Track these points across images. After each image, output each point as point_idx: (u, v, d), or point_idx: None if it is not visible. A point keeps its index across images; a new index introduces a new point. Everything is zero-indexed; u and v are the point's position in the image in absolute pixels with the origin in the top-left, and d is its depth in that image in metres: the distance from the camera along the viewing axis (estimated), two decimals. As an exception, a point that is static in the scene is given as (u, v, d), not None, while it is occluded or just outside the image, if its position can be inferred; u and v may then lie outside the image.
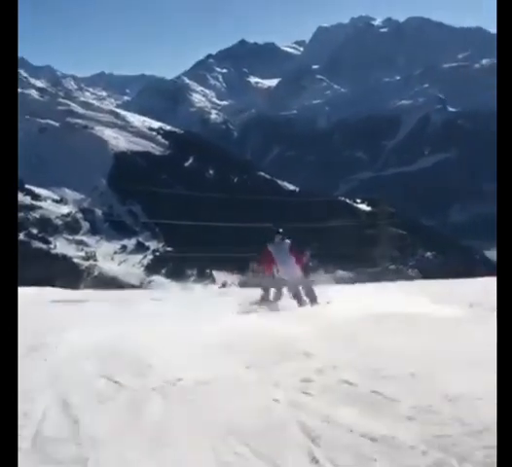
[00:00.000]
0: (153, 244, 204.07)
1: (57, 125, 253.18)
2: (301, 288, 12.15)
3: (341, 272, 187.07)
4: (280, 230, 12.89)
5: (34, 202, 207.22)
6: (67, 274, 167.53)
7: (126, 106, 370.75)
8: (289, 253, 12.35)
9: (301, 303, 11.95)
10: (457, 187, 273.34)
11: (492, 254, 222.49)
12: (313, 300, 12.10)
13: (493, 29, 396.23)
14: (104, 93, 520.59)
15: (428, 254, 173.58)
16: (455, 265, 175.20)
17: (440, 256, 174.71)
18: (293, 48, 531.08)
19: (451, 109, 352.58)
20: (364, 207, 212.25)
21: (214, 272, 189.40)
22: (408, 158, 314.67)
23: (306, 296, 12.23)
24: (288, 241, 12.55)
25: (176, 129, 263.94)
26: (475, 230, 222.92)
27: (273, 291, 13.06)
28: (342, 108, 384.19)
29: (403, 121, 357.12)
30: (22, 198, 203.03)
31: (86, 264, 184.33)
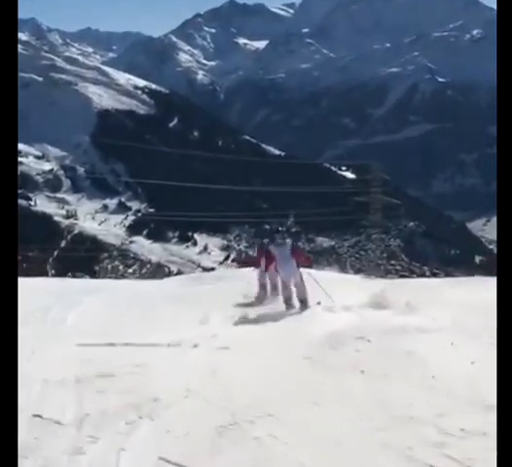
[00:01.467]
0: (135, 205, 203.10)
1: (41, 79, 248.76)
2: (294, 289, 11.88)
3: (321, 239, 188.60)
4: (280, 228, 12.88)
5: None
6: (47, 232, 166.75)
7: (111, 63, 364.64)
8: (290, 254, 12.01)
9: (289, 307, 11.70)
10: (442, 158, 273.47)
11: (471, 225, 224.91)
12: (304, 303, 11.80)
13: (485, 0, 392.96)
14: (90, 49, 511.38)
15: (411, 224, 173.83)
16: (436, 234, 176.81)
17: (422, 226, 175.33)
18: (283, 10, 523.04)
19: (440, 79, 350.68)
20: (349, 174, 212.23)
21: (196, 235, 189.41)
22: (395, 126, 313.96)
23: (297, 296, 11.96)
24: (289, 241, 12.36)
25: (162, 89, 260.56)
26: (457, 201, 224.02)
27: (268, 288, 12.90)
28: (330, 73, 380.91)
29: (391, 89, 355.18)
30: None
31: (66, 222, 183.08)
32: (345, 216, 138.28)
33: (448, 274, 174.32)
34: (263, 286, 13.00)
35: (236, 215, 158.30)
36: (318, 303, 11.83)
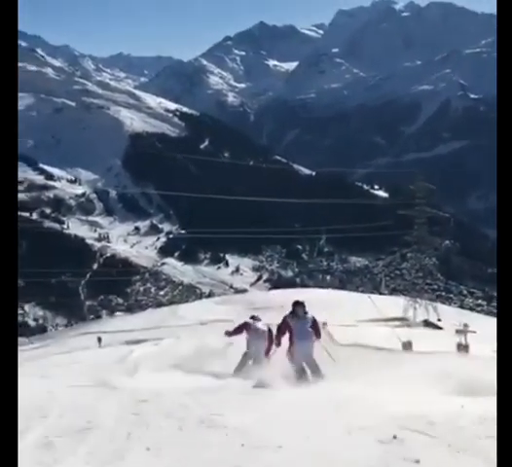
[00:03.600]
0: (166, 227, 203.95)
1: (73, 104, 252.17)
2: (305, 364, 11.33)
3: (354, 258, 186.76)
4: (302, 301, 11.99)
5: (48, 182, 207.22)
6: (80, 255, 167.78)
7: (143, 87, 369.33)
8: (310, 329, 11.48)
9: (300, 378, 10.88)
10: (476, 175, 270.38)
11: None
12: (317, 374, 11.22)
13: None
14: (122, 74, 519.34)
15: (446, 242, 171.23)
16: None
17: (458, 244, 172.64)
18: (312, 31, 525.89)
19: (472, 96, 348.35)
20: (381, 193, 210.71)
21: (227, 256, 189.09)
22: (427, 144, 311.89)
23: (310, 371, 11.36)
24: (311, 316, 11.67)
25: (193, 111, 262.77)
26: (492, 219, 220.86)
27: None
28: (360, 92, 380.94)
29: (423, 106, 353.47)
30: (36, 178, 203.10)
31: (98, 245, 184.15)
32: (383, 231, 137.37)
33: (485, 294, 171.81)
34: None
35: (267, 233, 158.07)
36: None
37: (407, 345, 25.86)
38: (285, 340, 11.66)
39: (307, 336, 11.38)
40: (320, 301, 73.89)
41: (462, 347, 25.30)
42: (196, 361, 15.57)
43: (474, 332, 26.30)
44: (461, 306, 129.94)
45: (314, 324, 11.62)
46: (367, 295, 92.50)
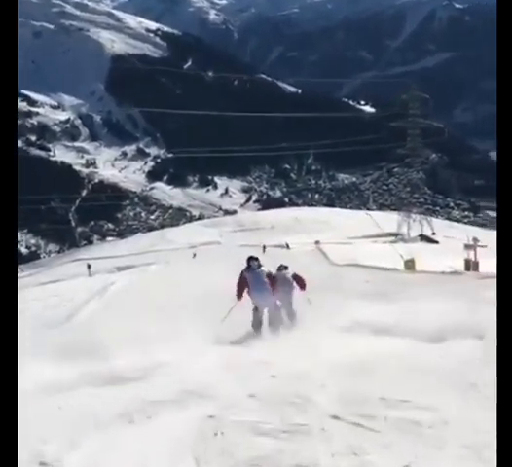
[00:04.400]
0: (153, 150, 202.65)
1: (52, 27, 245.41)
2: (266, 314, 11.88)
3: (342, 176, 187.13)
4: (255, 256, 12.35)
5: (31, 109, 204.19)
6: (68, 182, 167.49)
7: (122, 7, 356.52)
8: (265, 281, 11.84)
9: (257, 332, 11.55)
10: (462, 87, 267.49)
11: (495, 154, 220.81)
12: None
13: None
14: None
15: (434, 156, 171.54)
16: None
17: (445, 157, 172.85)
18: None
19: (457, 5, 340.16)
20: (368, 108, 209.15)
21: (216, 179, 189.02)
22: (412, 57, 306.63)
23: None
24: (264, 269, 12.04)
25: (174, 31, 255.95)
26: (479, 130, 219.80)
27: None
28: (344, 5, 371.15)
29: (407, 18, 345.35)
30: (19, 105, 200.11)
31: (86, 171, 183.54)
32: (371, 145, 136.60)
33: (471, 205, 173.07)
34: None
35: (255, 152, 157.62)
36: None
37: (410, 264, 23.78)
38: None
39: (262, 287, 11.75)
40: (310, 219, 75.06)
41: (473, 264, 23.06)
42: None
43: (485, 246, 23.77)
44: (449, 219, 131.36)
45: (269, 276, 11.95)
46: (363, 211, 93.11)
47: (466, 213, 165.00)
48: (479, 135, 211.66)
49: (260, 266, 12.05)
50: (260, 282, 11.76)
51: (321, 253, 36.15)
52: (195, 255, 47.92)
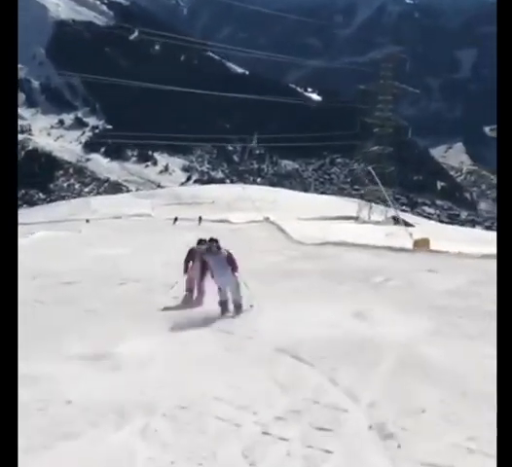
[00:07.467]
0: (92, 121, 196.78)
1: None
2: (229, 294, 12.26)
3: (285, 162, 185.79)
4: (215, 237, 12.55)
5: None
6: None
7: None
8: (226, 263, 12.20)
9: (224, 311, 12.07)
10: (407, 81, 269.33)
11: (434, 151, 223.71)
12: (239, 308, 12.10)
13: None
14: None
15: (375, 148, 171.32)
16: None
17: (387, 149, 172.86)
18: None
19: (407, 1, 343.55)
20: (315, 96, 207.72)
21: (156, 155, 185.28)
22: (361, 48, 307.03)
23: (233, 301, 12.26)
24: (225, 251, 12.34)
25: (122, 0, 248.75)
26: (421, 126, 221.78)
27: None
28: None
29: (359, 9, 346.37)
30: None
31: (20, 137, 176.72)
32: (316, 133, 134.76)
33: (410, 200, 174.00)
34: (190, 290, 13.59)
35: (197, 131, 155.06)
36: (251, 306, 12.15)
37: (422, 243, 22.07)
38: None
39: (224, 270, 12.12)
40: (256, 198, 71.92)
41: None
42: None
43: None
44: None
45: (230, 258, 12.23)
46: (310, 194, 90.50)
47: (404, 208, 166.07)
48: (421, 132, 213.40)
49: (219, 248, 12.26)
50: (222, 266, 12.13)
51: (278, 229, 33.03)
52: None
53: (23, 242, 24.41)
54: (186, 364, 7.71)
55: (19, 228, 39.16)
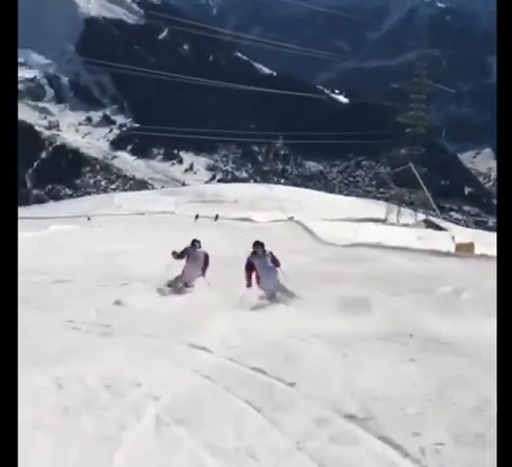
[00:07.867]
0: (120, 119, 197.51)
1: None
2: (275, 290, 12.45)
3: (309, 163, 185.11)
4: (262, 241, 12.70)
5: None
6: (27, 142, 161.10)
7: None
8: (271, 264, 12.51)
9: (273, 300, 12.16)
10: (436, 85, 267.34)
11: (462, 157, 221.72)
12: (290, 295, 12.17)
13: None
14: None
15: (402, 151, 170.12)
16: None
17: (419, 150, 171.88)
18: None
19: (439, 4, 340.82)
20: (342, 98, 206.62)
21: (182, 154, 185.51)
22: (391, 51, 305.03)
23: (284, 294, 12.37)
24: (269, 252, 12.60)
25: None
26: (450, 131, 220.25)
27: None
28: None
29: (390, 12, 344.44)
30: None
31: (48, 133, 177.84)
32: (342, 135, 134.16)
33: (436, 204, 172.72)
34: (186, 285, 13.80)
35: (224, 131, 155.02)
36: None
37: (467, 248, 21.60)
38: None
39: (270, 271, 12.38)
40: (281, 198, 71.56)
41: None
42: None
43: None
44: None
45: (273, 258, 12.49)
46: (335, 195, 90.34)
47: (431, 212, 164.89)
48: (450, 136, 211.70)
49: (264, 251, 12.45)
50: (268, 268, 12.36)
51: (305, 229, 32.57)
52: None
53: (34, 236, 24.30)
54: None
55: (39, 221, 39.24)
